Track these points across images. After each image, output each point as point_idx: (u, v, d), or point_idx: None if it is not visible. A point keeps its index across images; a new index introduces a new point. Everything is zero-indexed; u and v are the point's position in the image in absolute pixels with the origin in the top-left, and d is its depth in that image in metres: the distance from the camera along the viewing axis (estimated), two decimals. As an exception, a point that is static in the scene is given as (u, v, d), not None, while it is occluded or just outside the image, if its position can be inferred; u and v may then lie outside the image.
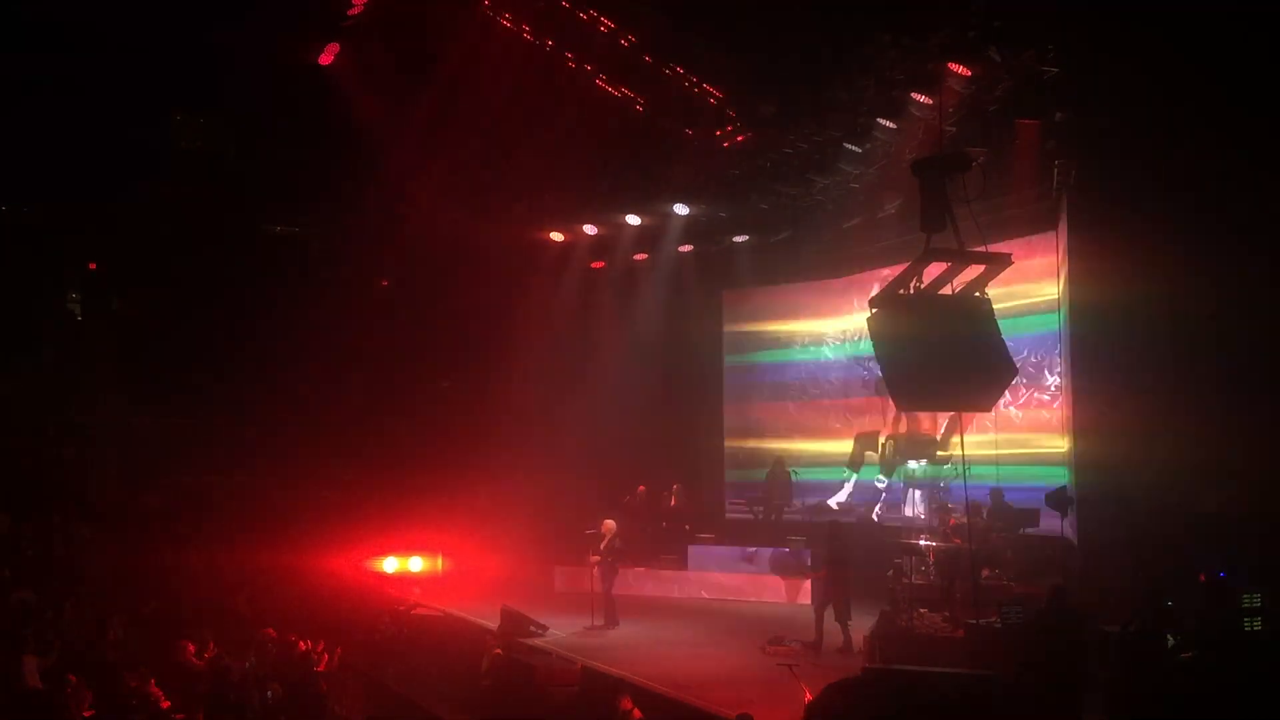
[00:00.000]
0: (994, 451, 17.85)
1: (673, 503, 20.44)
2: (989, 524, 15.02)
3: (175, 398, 19.40)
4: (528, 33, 17.20)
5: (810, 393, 21.37)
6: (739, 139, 17.80)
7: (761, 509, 20.56)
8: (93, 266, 21.65)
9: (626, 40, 16.75)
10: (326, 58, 17.53)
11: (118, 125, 17.54)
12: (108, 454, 19.17)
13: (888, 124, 16.25)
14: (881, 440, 19.50)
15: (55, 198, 19.29)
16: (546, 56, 17.35)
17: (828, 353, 20.97)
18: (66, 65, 16.14)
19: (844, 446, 20.54)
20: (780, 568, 18.44)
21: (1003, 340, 9.10)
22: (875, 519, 19.27)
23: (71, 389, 19.37)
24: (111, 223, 20.11)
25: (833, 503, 20.21)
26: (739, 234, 21.23)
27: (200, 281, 20.51)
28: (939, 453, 16.71)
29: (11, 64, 15.82)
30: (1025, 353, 17.00)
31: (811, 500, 20.36)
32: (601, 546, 16.50)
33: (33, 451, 18.41)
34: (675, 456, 21.72)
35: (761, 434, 22.00)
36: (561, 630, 15.92)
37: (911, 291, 9.02)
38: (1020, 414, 17.66)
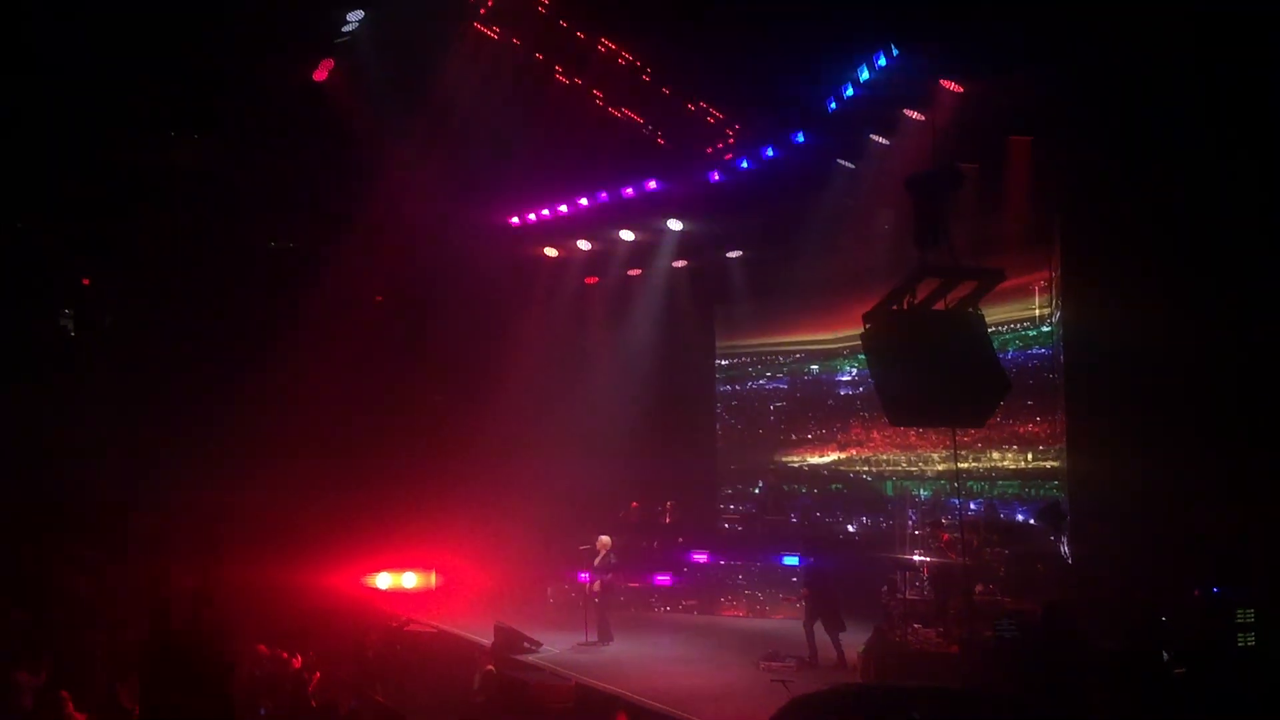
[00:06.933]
0: (986, 466, 17.95)
1: (667, 519, 20.41)
2: (983, 539, 15.04)
3: (168, 416, 19.26)
4: (522, 49, 17.27)
5: (803, 407, 21.41)
6: (732, 155, 17.85)
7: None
8: (85, 282, 21.55)
9: (622, 57, 16.82)
10: (320, 74, 17.56)
11: (111, 144, 17.52)
12: (101, 472, 19.03)
13: (881, 140, 16.34)
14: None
15: (48, 215, 19.22)
16: (540, 72, 17.42)
17: (820, 368, 21.00)
18: (62, 85, 16.10)
19: (835, 460, 20.59)
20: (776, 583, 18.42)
21: (996, 356, 9.14)
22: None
23: (66, 407, 19.24)
24: (103, 238, 20.02)
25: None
26: (732, 249, 21.29)
27: (194, 298, 20.43)
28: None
29: (9, 84, 15.78)
30: (1016, 368, 17.07)
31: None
32: (595, 563, 16.49)
33: (27, 469, 18.27)
34: (669, 471, 21.67)
35: (755, 448, 22.03)
36: (555, 647, 15.86)
37: (905, 307, 9.05)
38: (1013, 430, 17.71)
